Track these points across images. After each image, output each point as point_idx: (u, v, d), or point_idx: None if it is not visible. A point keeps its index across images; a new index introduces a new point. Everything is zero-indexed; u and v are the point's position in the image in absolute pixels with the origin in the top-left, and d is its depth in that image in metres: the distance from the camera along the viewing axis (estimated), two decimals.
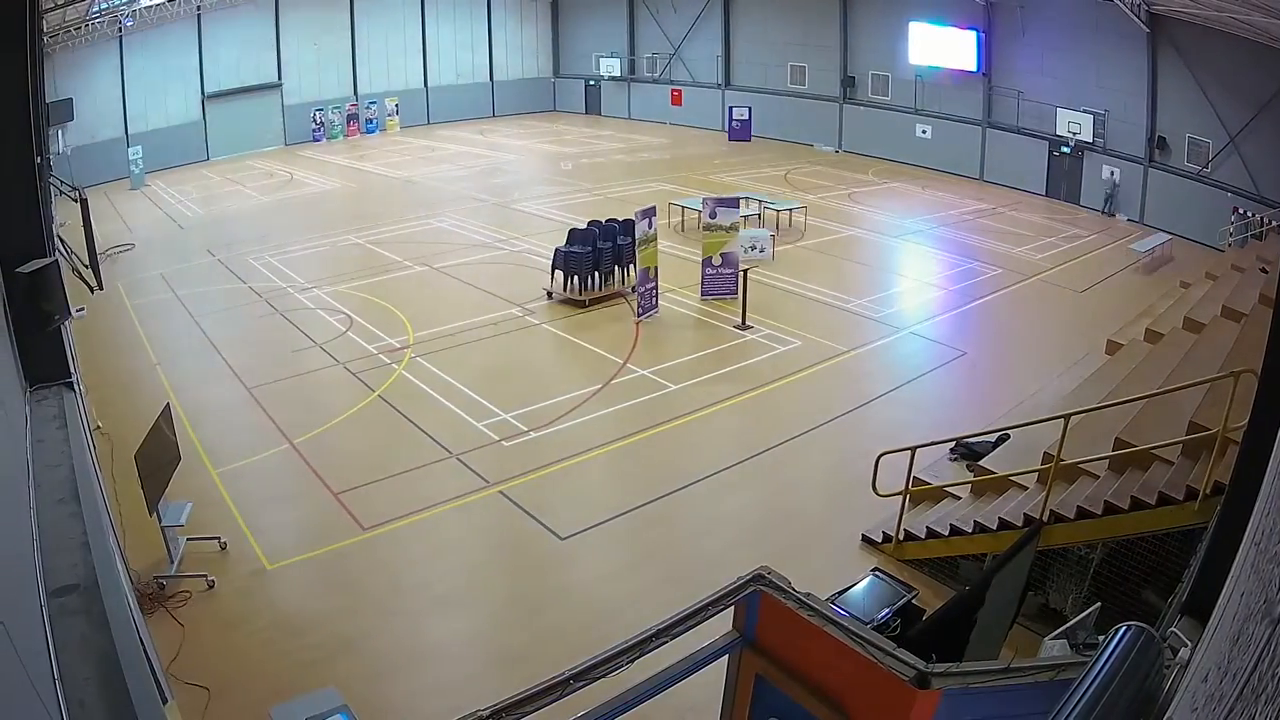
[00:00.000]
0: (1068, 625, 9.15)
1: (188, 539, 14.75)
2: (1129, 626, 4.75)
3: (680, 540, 15.52)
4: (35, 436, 9.95)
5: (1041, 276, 30.75)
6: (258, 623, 13.54)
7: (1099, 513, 12.02)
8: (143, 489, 14.00)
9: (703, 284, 27.24)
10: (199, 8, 50.51)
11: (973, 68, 45.86)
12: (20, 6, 10.89)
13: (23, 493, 8.20)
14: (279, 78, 56.33)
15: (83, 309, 21.68)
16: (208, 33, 51.68)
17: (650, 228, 25.78)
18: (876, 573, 13.17)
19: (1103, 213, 39.72)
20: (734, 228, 26.84)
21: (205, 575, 14.25)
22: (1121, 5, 36.29)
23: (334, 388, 21.61)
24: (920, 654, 6.86)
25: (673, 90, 63.56)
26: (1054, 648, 8.59)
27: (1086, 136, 40.93)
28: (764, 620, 7.84)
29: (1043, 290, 29.47)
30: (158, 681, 8.92)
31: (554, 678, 6.84)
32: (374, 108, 61.29)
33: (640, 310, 25.57)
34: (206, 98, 52.50)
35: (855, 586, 12.68)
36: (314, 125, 58.18)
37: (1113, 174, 39.68)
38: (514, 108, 67.48)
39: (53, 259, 11.50)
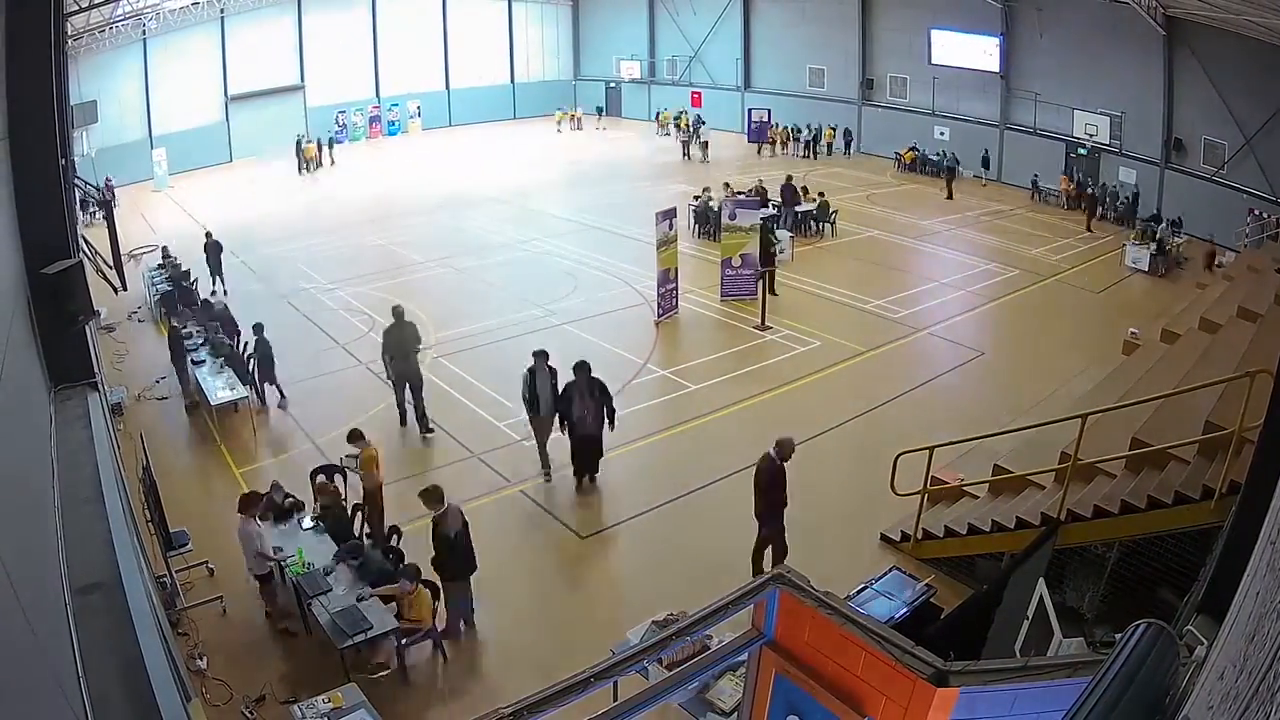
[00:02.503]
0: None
1: (177, 570, 14.49)
2: (1146, 624, 4.78)
3: (700, 539, 15.55)
4: (59, 436, 10.02)
5: (1059, 277, 30.72)
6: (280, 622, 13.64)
7: (1116, 512, 12.03)
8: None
9: (722, 285, 27.31)
10: (222, 10, 50.69)
11: (995, 68, 45.71)
12: (45, 9, 10.99)
13: (47, 492, 8.27)
14: (301, 80, 56.47)
15: (103, 313, 21.90)
16: (231, 35, 51.83)
17: (670, 229, 25.84)
18: (895, 571, 13.24)
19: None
20: (753, 229, 26.87)
21: (219, 597, 14.21)
22: (1138, 8, 36.22)
23: (356, 388, 21.75)
24: (938, 652, 6.90)
25: (692, 92, 63.45)
26: (1070, 646, 8.66)
27: (1103, 138, 40.84)
28: (783, 618, 7.88)
29: (1060, 291, 29.43)
30: (180, 679, 8.99)
31: (575, 676, 6.90)
32: (396, 109, 61.36)
33: (660, 311, 25.62)
34: (229, 100, 52.66)
35: (874, 584, 12.75)
36: (336, 127, 58.20)
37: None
38: (535, 109, 67.40)
39: (76, 260, 11.59)
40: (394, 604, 12.57)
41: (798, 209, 35.43)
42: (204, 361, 20.95)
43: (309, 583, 12.85)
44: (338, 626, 11.93)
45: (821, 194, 36.57)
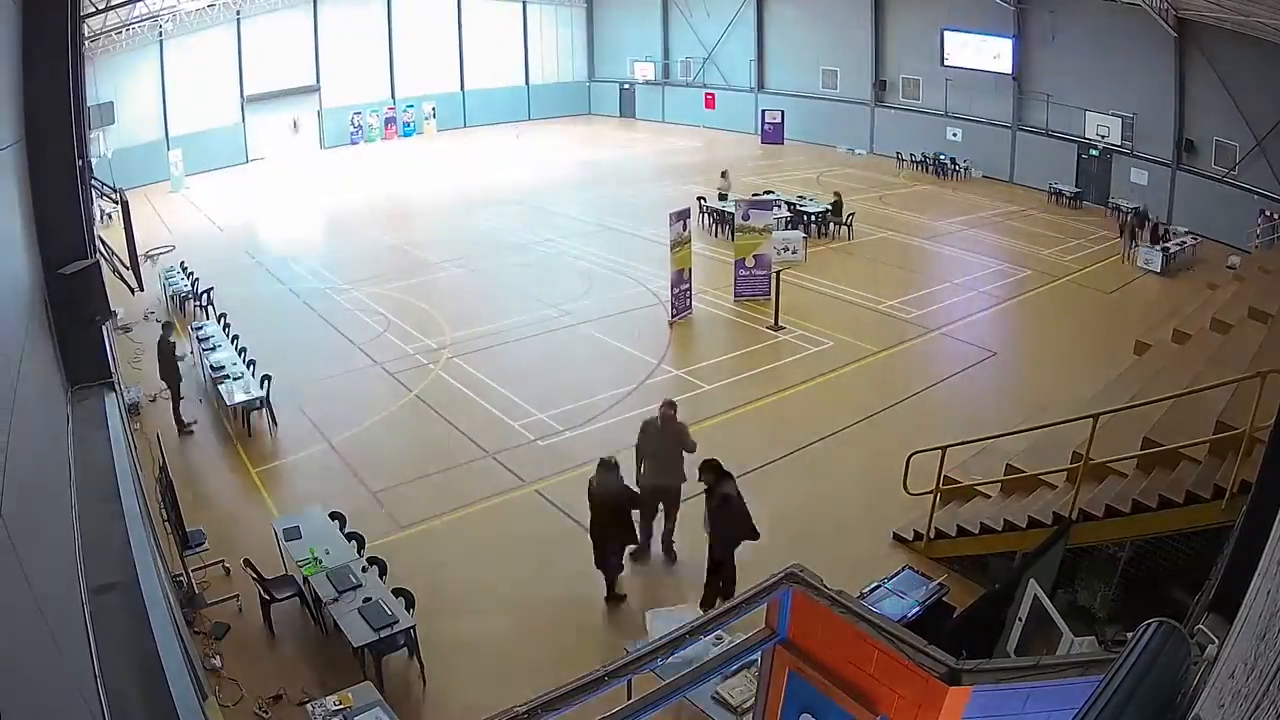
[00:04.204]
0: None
1: (193, 569, 14.45)
2: (1157, 623, 4.80)
3: None
4: (77, 436, 10.08)
5: (1071, 278, 30.68)
6: (295, 622, 13.69)
7: (1127, 511, 12.06)
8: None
9: (736, 285, 27.37)
10: (238, 12, 50.86)
11: (1007, 70, 45.70)
12: (61, 11, 11.05)
13: (64, 492, 8.32)
14: (317, 81, 56.60)
15: (120, 313, 21.93)
16: (247, 37, 52.00)
17: (684, 230, 25.88)
18: (908, 570, 13.28)
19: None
20: (767, 230, 26.91)
21: (235, 596, 14.29)
22: (1149, 10, 36.19)
23: (372, 388, 21.82)
24: (951, 651, 6.92)
25: (706, 94, 63.51)
26: (1082, 645, 8.67)
27: (1115, 139, 40.80)
28: (797, 617, 7.91)
29: (1072, 291, 29.40)
30: (196, 678, 9.04)
31: (589, 674, 6.94)
32: (411, 110, 61.49)
33: (674, 311, 25.66)
34: (245, 100, 52.83)
35: (887, 583, 12.79)
36: (352, 128, 58.41)
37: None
38: (549, 111, 67.40)
39: (94, 260, 11.66)
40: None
41: (809, 210, 35.50)
42: (223, 367, 20.93)
43: (337, 578, 12.86)
44: (364, 620, 12.00)
45: (837, 194, 36.54)
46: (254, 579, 13.50)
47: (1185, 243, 32.79)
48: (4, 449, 5.81)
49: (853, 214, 35.98)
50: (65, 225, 11.21)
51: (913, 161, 50.21)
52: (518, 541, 15.68)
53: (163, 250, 32.99)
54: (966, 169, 47.99)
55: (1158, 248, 31.73)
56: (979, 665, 6.74)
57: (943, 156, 48.83)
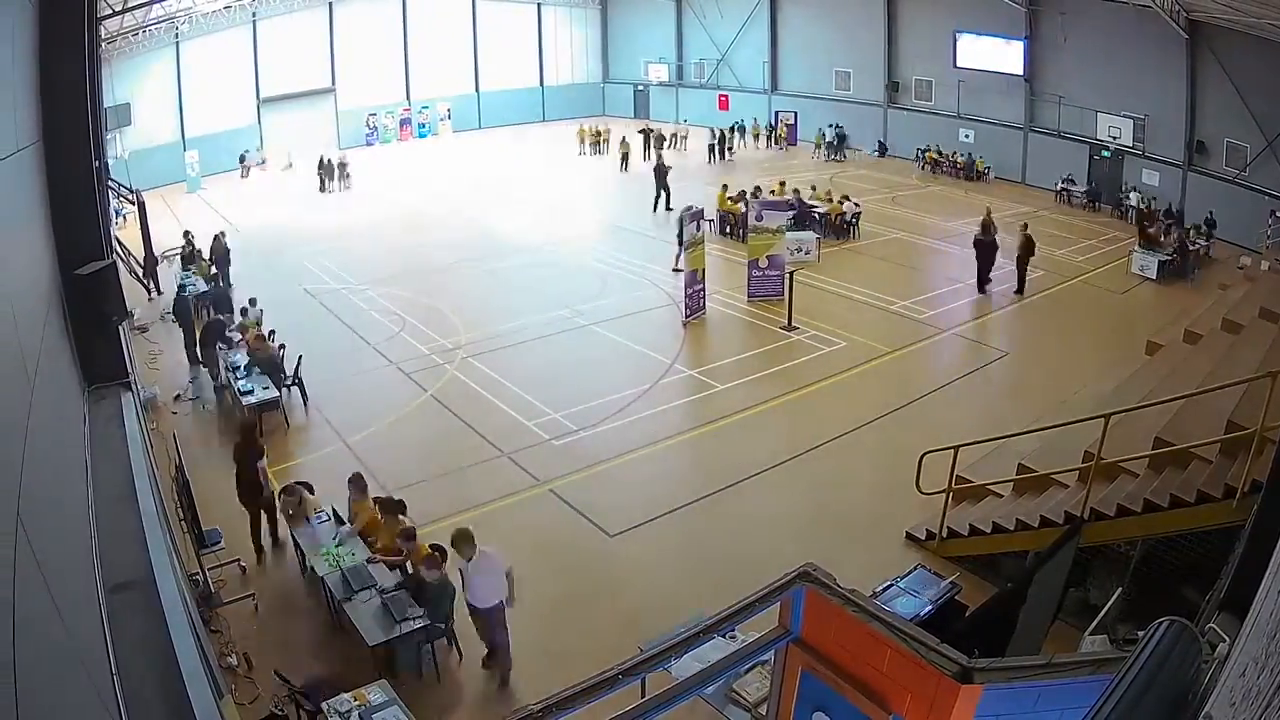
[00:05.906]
0: (1100, 618, 9.21)
1: (210, 568, 14.43)
2: (1168, 622, 4.82)
3: (727, 537, 15.60)
4: (93, 436, 10.13)
5: (1083, 278, 30.61)
6: (312, 620, 13.74)
7: (1139, 510, 12.06)
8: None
9: (749, 286, 27.38)
10: (254, 14, 50.97)
11: (1019, 71, 45.65)
12: (79, 13, 11.13)
13: (82, 491, 8.37)
14: (333, 82, 56.67)
15: (136, 313, 22.05)
16: (263, 38, 52.09)
17: (698, 230, 25.90)
18: (920, 569, 13.30)
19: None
20: (780, 230, 26.93)
21: (251, 595, 14.34)
22: (1161, 12, 36.14)
23: (387, 387, 21.88)
24: (963, 649, 6.95)
25: (720, 95, 63.41)
26: (1094, 643, 8.67)
27: (1126, 140, 40.75)
28: (809, 616, 7.96)
29: (1083, 292, 29.35)
30: (213, 677, 9.09)
31: (603, 673, 6.99)
32: (426, 112, 61.55)
33: (687, 311, 25.70)
34: (261, 102, 52.94)
35: (899, 582, 12.80)
36: (367, 129, 58.53)
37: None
38: (564, 112, 67.24)
39: (110, 261, 11.74)
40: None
41: (816, 211, 35.60)
42: (239, 367, 20.98)
43: (355, 576, 12.93)
44: (388, 614, 12.07)
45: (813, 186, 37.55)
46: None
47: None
48: (21, 448, 5.86)
49: (859, 214, 36.03)
50: (82, 226, 11.29)
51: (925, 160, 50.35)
52: (532, 540, 15.69)
53: (179, 250, 33.07)
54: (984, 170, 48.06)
55: (1153, 253, 31.40)
56: (991, 664, 6.78)
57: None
